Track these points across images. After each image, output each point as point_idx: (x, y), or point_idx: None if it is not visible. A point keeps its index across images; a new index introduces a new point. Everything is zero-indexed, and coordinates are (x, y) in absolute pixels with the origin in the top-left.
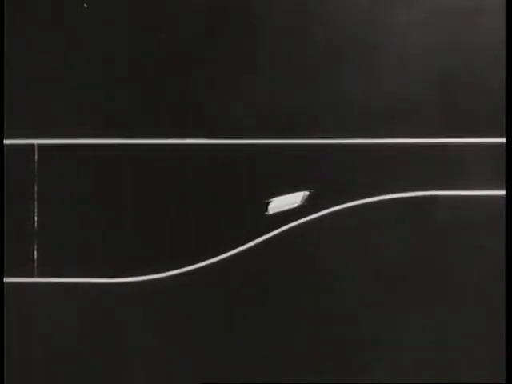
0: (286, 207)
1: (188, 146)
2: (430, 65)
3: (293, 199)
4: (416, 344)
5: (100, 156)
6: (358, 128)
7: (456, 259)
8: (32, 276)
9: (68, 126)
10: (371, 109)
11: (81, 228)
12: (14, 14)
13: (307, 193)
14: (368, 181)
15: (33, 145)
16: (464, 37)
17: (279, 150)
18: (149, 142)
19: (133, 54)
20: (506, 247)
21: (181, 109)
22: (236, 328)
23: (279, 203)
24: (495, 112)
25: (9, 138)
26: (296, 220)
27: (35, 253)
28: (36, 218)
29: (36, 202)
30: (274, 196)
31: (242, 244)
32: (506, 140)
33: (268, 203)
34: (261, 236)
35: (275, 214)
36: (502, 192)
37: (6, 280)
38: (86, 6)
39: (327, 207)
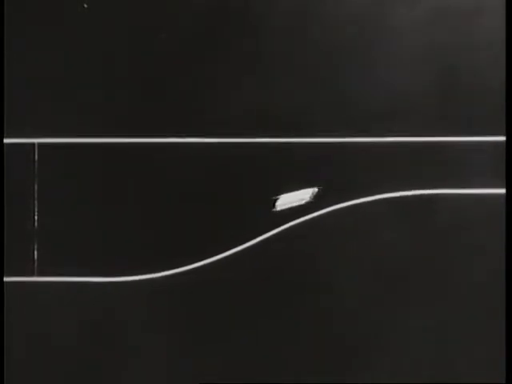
0: (294, 203)
1: (188, 146)
2: (430, 64)
3: (301, 196)
4: (416, 344)
5: (100, 156)
6: (358, 128)
7: (456, 259)
8: (32, 275)
9: (68, 126)
10: (371, 109)
11: (81, 228)
12: (13, 14)
13: (316, 189)
14: (368, 180)
15: (33, 144)
16: (464, 36)
17: (279, 149)
18: (149, 141)
19: (133, 53)
20: (506, 247)
21: (181, 109)
22: (236, 328)
23: (287, 200)
24: (495, 112)
25: (9, 137)
26: (296, 220)
27: (35, 252)
28: (36, 218)
29: (36, 202)
30: (274, 196)
31: (242, 244)
32: (506, 139)
33: (276, 200)
34: (260, 235)
35: (275, 214)
36: (502, 191)
37: (6, 279)
38: (85, 6)
39: (327, 207)
